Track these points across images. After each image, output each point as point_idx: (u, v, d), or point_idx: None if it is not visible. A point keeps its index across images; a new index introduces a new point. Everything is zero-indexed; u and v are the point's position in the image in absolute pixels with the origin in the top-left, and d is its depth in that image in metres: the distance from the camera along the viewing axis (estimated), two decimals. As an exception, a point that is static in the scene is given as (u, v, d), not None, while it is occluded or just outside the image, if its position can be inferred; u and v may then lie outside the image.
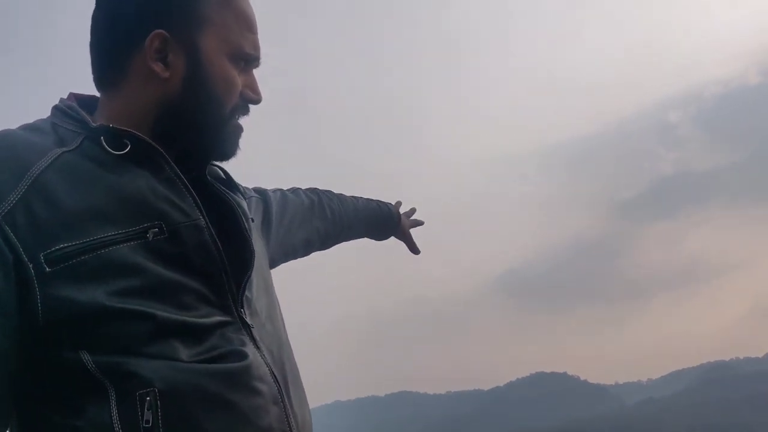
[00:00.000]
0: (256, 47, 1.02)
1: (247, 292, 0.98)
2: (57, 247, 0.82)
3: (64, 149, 0.89)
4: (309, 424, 1.02)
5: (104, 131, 0.91)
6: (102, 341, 0.83)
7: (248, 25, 1.01)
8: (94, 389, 0.83)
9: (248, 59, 1.01)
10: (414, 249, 1.85)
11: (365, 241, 1.73)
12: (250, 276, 0.99)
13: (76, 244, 0.83)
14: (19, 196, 0.83)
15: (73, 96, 1.02)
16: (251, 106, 1.04)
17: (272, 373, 0.95)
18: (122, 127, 0.92)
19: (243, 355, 0.91)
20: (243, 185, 1.20)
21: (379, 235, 1.77)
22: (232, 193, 1.06)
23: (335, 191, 1.59)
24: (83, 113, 0.94)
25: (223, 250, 0.94)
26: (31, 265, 0.81)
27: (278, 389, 0.95)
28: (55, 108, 0.98)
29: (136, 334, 0.84)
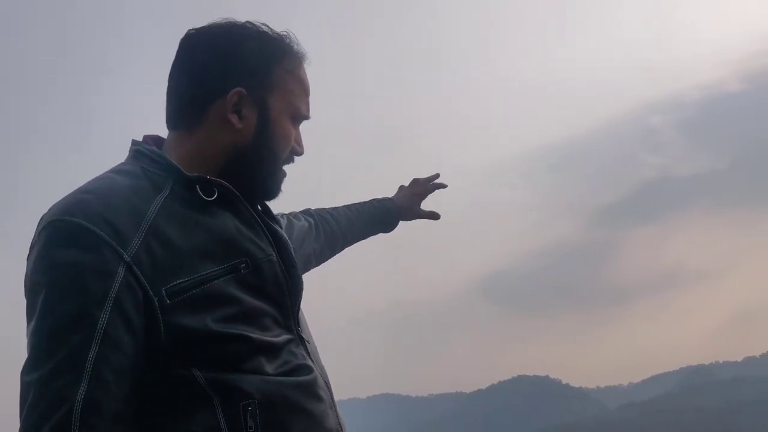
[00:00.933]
0: (309, 109, 1.23)
1: (299, 314, 1.19)
2: (175, 283, 1.00)
3: (164, 194, 1.07)
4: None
5: (198, 180, 1.09)
6: (210, 360, 1.02)
7: (306, 91, 1.22)
8: (201, 400, 1.01)
9: (302, 119, 1.23)
10: (433, 216, 1.96)
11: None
12: (300, 300, 1.20)
13: (189, 280, 1.02)
14: (140, 239, 1.00)
15: (149, 139, 1.18)
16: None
17: (325, 382, 1.16)
18: (214, 178, 1.10)
19: (310, 369, 1.13)
20: None
21: (383, 230, 1.91)
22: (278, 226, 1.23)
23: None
24: (172, 161, 1.11)
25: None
26: (156, 299, 0.99)
27: (330, 396, 1.16)
28: (139, 153, 1.13)
29: (237, 353, 1.04)
